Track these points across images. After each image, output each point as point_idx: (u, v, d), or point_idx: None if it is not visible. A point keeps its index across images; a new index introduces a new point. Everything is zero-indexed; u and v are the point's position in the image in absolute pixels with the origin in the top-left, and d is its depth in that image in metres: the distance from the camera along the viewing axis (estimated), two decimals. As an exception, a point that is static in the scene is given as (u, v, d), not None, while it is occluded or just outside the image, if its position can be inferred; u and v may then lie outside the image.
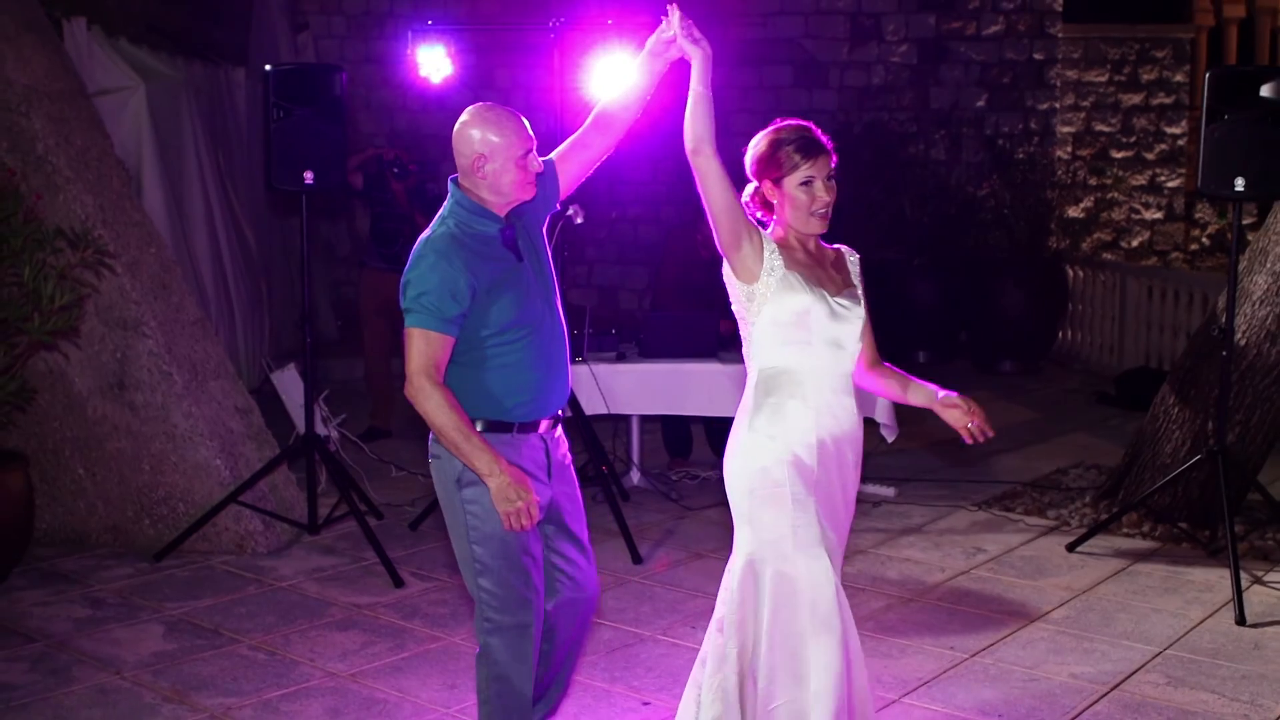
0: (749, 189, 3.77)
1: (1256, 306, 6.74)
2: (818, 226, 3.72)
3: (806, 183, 3.67)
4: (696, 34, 3.61)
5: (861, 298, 3.82)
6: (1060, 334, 13.10)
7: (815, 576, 3.58)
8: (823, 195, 3.69)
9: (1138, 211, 14.32)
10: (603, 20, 6.92)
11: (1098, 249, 14.01)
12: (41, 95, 6.58)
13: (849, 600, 3.69)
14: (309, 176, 6.18)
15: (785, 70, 14.17)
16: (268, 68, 6.26)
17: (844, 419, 3.73)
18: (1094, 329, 12.72)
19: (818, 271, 3.74)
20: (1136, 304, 11.90)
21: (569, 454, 3.97)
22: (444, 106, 13.99)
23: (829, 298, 3.69)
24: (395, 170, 8.64)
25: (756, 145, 3.75)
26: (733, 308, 3.73)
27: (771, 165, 3.70)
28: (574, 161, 4.00)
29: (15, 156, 6.36)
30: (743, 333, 3.74)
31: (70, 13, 7.63)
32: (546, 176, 3.90)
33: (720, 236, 3.59)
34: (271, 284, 10.40)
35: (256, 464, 6.69)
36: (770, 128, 3.76)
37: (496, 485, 3.57)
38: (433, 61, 7.05)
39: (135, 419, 6.55)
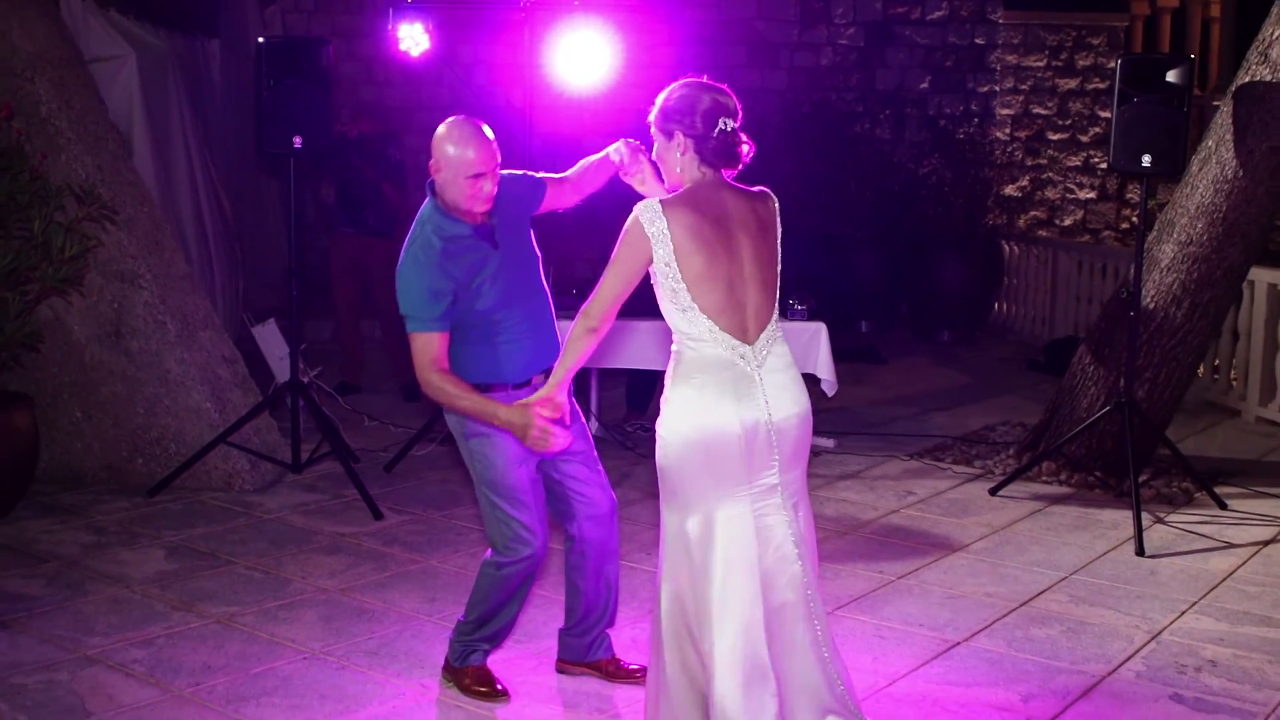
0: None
1: (1164, 273, 7.37)
2: None
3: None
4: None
5: None
6: (996, 305, 13.77)
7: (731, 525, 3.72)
8: None
9: (1072, 191, 14.97)
10: (569, 1, 7.44)
11: (1033, 226, 14.66)
12: (44, 62, 7.04)
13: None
14: (298, 141, 6.69)
15: (738, 50, 14.72)
16: (260, 40, 6.77)
17: None
18: (1027, 301, 13.39)
19: None
20: (1067, 278, 12.56)
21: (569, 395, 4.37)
22: (409, 80, 14.49)
23: None
24: (358, 151, 9.22)
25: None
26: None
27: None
28: (554, 197, 4.55)
29: (21, 119, 6.80)
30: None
31: (65, -16, 8.08)
32: (525, 181, 4.45)
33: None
34: (245, 246, 10.87)
35: (243, 409, 7.19)
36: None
37: (509, 427, 4.05)
38: (413, 36, 7.54)
39: (131, 365, 7.04)
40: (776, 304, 3.83)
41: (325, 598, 5.44)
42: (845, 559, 6.11)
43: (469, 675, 4.47)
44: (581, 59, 7.44)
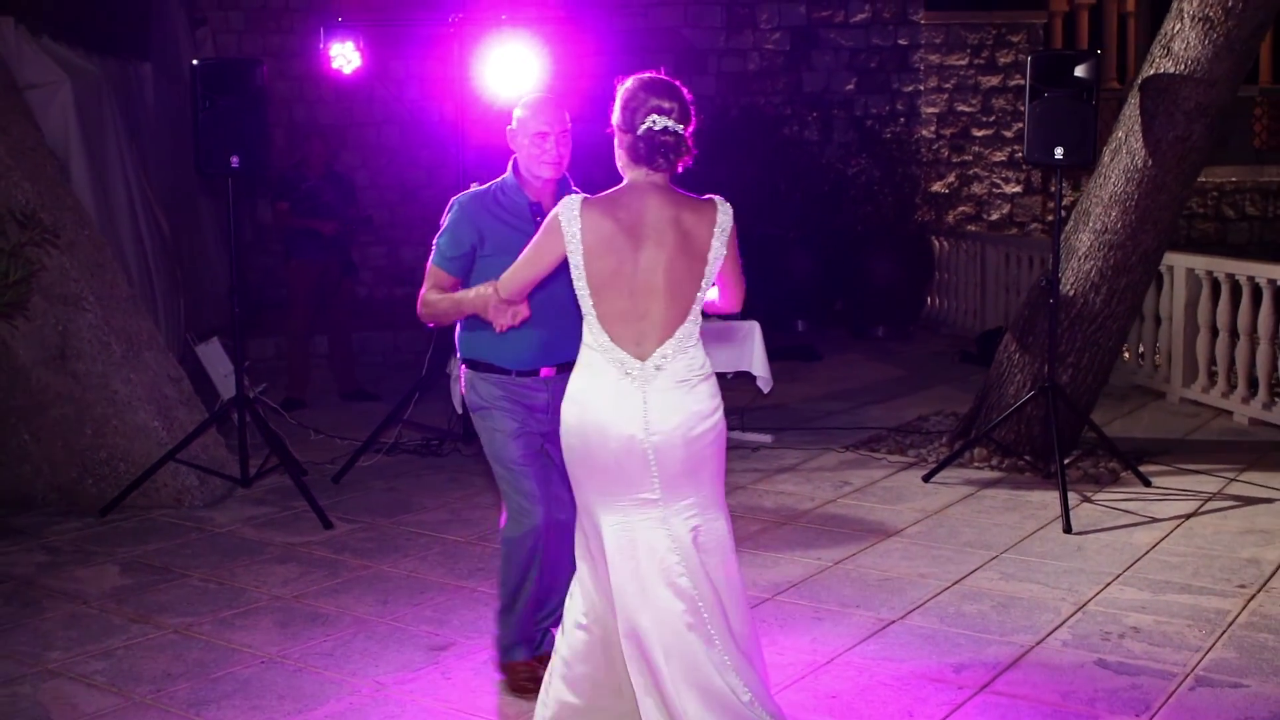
0: (682, 130, 3.76)
1: (1081, 261, 7.64)
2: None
3: None
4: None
5: None
6: (928, 300, 14.07)
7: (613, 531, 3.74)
8: None
9: (998, 186, 15.31)
10: (497, 15, 7.61)
11: (961, 222, 14.99)
12: (-21, 91, 7.13)
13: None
14: (235, 160, 6.81)
15: (666, 58, 14.91)
16: (195, 62, 6.88)
17: None
18: (958, 295, 13.68)
19: None
20: (996, 270, 12.86)
21: None
22: (341, 98, 14.61)
23: None
24: (325, 184, 9.60)
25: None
26: (702, 294, 3.78)
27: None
28: None
29: (-42, 148, 6.90)
30: (697, 312, 3.78)
31: (-3, 12, 8.16)
32: None
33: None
34: (184, 267, 10.94)
35: (190, 427, 7.29)
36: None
37: (475, 306, 4.10)
38: (344, 55, 7.69)
39: (78, 386, 7.13)
40: (690, 317, 3.71)
41: (280, 605, 5.57)
42: (784, 548, 6.31)
43: (515, 671, 4.62)
44: (510, 71, 7.61)
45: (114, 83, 9.64)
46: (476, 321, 4.32)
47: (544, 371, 4.48)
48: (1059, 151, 6.89)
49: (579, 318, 3.84)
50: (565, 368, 4.22)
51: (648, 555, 3.64)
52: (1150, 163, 7.32)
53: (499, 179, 4.55)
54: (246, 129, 6.86)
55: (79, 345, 7.14)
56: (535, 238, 3.79)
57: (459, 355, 4.61)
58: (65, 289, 7.13)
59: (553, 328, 4.41)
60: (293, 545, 6.44)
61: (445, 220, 4.49)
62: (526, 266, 3.81)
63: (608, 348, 3.69)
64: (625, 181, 3.77)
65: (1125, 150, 7.44)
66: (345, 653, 5.00)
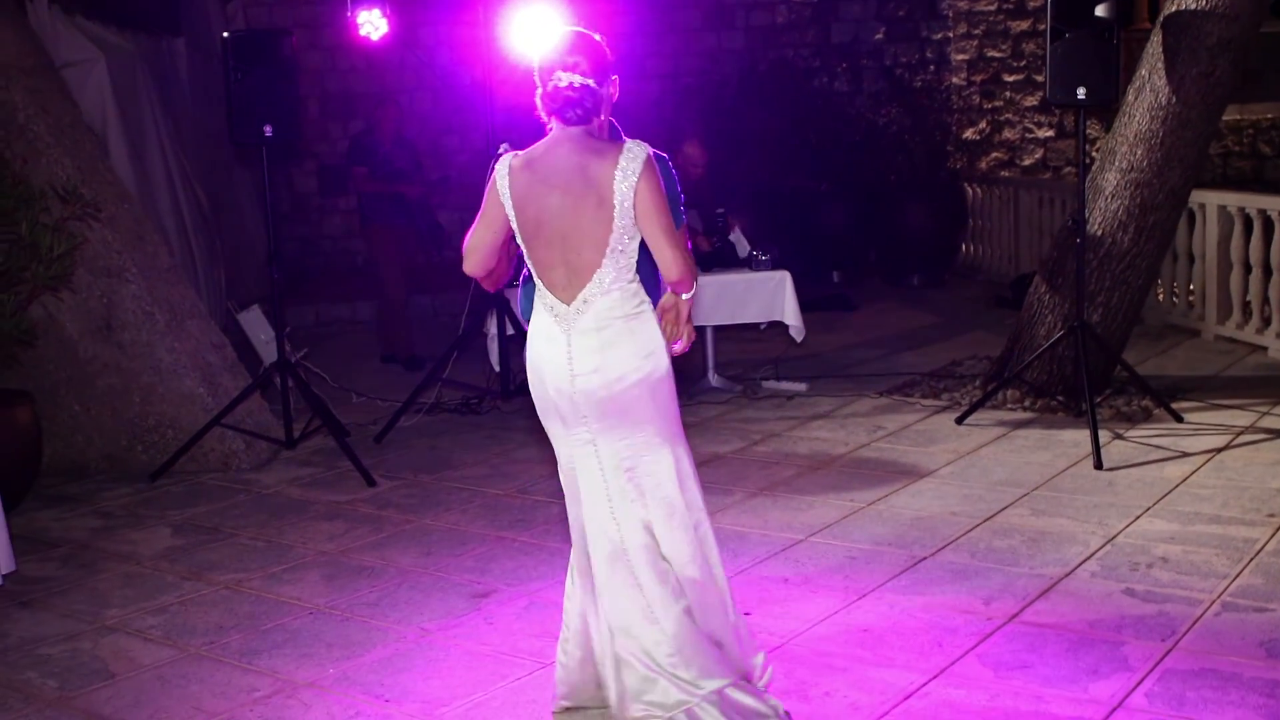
0: (591, 84, 3.80)
1: (1108, 200, 7.68)
2: None
3: None
4: None
5: None
6: (963, 247, 14.07)
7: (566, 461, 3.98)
8: None
9: (1031, 131, 15.26)
10: (522, -24, 7.67)
11: (995, 168, 14.95)
12: (17, 70, 7.29)
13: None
14: (268, 130, 6.95)
15: (694, 13, 14.97)
16: (225, 34, 7.03)
17: None
18: (992, 241, 13.68)
19: None
20: (1029, 215, 12.85)
21: None
22: (373, 66, 14.72)
23: None
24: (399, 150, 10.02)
25: (598, 42, 3.88)
26: (618, 237, 3.79)
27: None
28: None
29: (-1, 127, 7.07)
30: (622, 256, 3.82)
31: (30, -7, 8.31)
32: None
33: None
34: (223, 237, 11.13)
35: (234, 392, 7.46)
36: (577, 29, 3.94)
37: None
38: (371, 21, 7.80)
39: (124, 356, 7.31)
40: (608, 261, 3.77)
41: (326, 559, 5.74)
42: (818, 491, 6.42)
43: None
44: (536, 31, 7.68)
45: (148, 58, 9.79)
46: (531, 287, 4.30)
47: None
48: (1082, 91, 6.92)
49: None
50: None
51: (586, 481, 3.88)
52: (1175, 100, 7.34)
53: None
54: (278, 98, 6.99)
55: (123, 316, 7.31)
56: (484, 199, 3.91)
57: (522, 318, 4.45)
58: (108, 261, 7.30)
59: None
60: (338, 503, 6.61)
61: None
62: (481, 228, 3.91)
63: (543, 293, 3.87)
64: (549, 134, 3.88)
65: (1149, 88, 7.46)
66: (391, 602, 5.16)
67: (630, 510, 3.83)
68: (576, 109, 3.76)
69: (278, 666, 4.57)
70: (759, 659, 4.06)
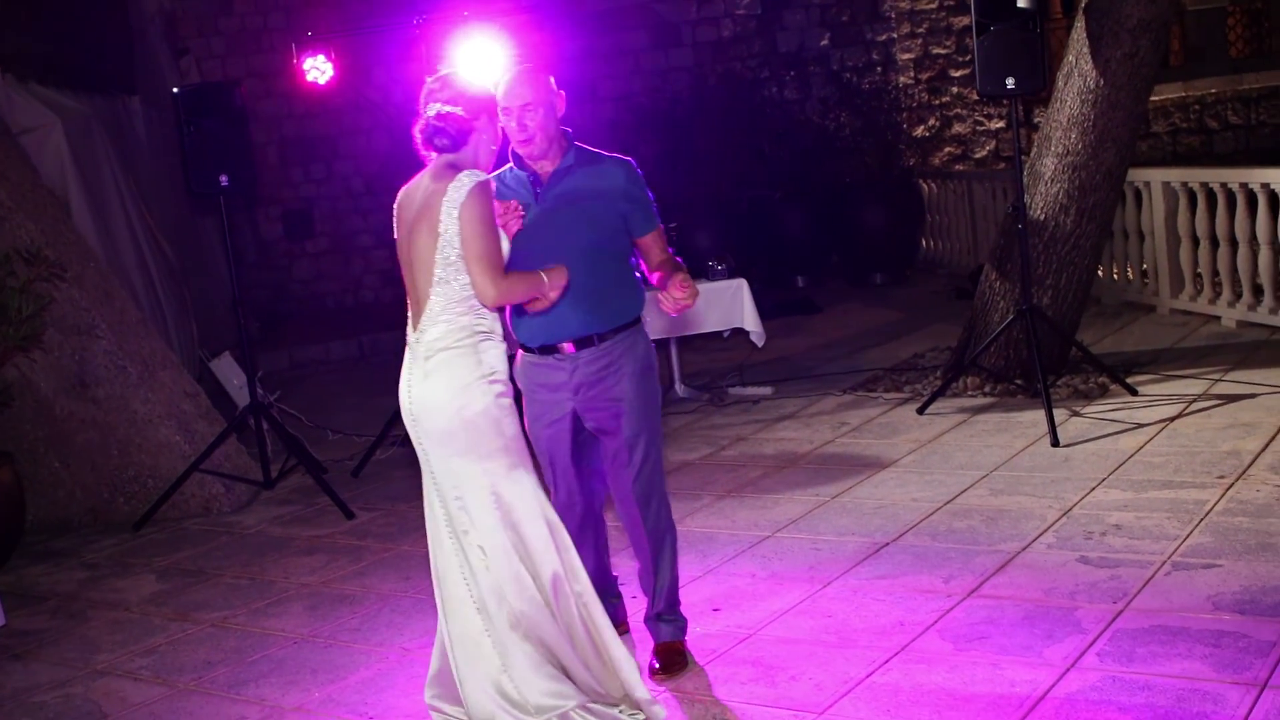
0: (459, 115, 4.01)
1: (1048, 185, 7.89)
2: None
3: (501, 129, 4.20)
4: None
5: None
6: (922, 243, 14.30)
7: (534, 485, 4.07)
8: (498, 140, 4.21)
9: (982, 124, 15.50)
10: (459, 12, 7.87)
11: (948, 163, 15.18)
12: (-25, 140, 7.46)
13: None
14: (224, 179, 7.13)
15: (641, 34, 15.19)
16: (175, 90, 7.20)
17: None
18: (951, 234, 13.91)
19: None
20: (984, 206, 13.08)
21: (610, 374, 4.39)
22: (328, 110, 14.90)
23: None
24: None
25: (471, 81, 4.14)
26: (443, 268, 3.93)
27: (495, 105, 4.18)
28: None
29: (-40, 196, 7.22)
30: (450, 286, 3.94)
31: (-17, 65, 8.49)
32: (631, 196, 4.44)
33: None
34: (192, 288, 11.27)
35: (210, 438, 7.61)
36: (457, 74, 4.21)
37: (553, 285, 4.14)
38: (317, 67, 7.98)
39: (99, 411, 7.46)
40: (435, 290, 3.90)
41: (309, 591, 5.89)
42: (784, 489, 6.59)
43: None
44: (479, 65, 7.87)
45: (104, 118, 9.95)
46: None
47: (565, 348, 4.38)
48: (1010, 82, 7.13)
49: (587, 305, 4.31)
50: (576, 343, 4.37)
51: (428, 508, 4.08)
52: (1102, 82, 7.55)
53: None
54: (231, 148, 7.17)
55: (96, 372, 7.46)
56: None
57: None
58: (77, 319, 7.45)
59: (558, 309, 4.29)
60: (318, 537, 6.76)
61: None
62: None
63: (408, 320, 4.06)
64: (459, 150, 4.07)
65: (1077, 73, 7.68)
66: (372, 627, 5.31)
67: (468, 539, 3.95)
68: (439, 137, 3.98)
69: (265, 694, 4.72)
70: (638, 693, 4.05)
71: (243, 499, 7.61)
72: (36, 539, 7.32)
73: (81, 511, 7.57)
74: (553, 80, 4.43)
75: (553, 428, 4.48)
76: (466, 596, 3.95)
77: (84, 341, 7.45)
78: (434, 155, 4.04)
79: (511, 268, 4.15)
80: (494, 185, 4.15)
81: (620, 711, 4.01)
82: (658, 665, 4.49)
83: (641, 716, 4.02)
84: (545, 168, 4.42)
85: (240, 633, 5.43)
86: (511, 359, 4.24)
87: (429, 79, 4.15)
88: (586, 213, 4.38)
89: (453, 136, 3.98)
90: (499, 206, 4.15)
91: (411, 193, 4.03)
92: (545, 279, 4.06)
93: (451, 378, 3.92)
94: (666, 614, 4.61)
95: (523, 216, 4.30)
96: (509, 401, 4.00)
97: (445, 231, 3.87)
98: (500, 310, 4.10)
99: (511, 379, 4.13)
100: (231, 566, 6.43)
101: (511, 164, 4.51)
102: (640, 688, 4.04)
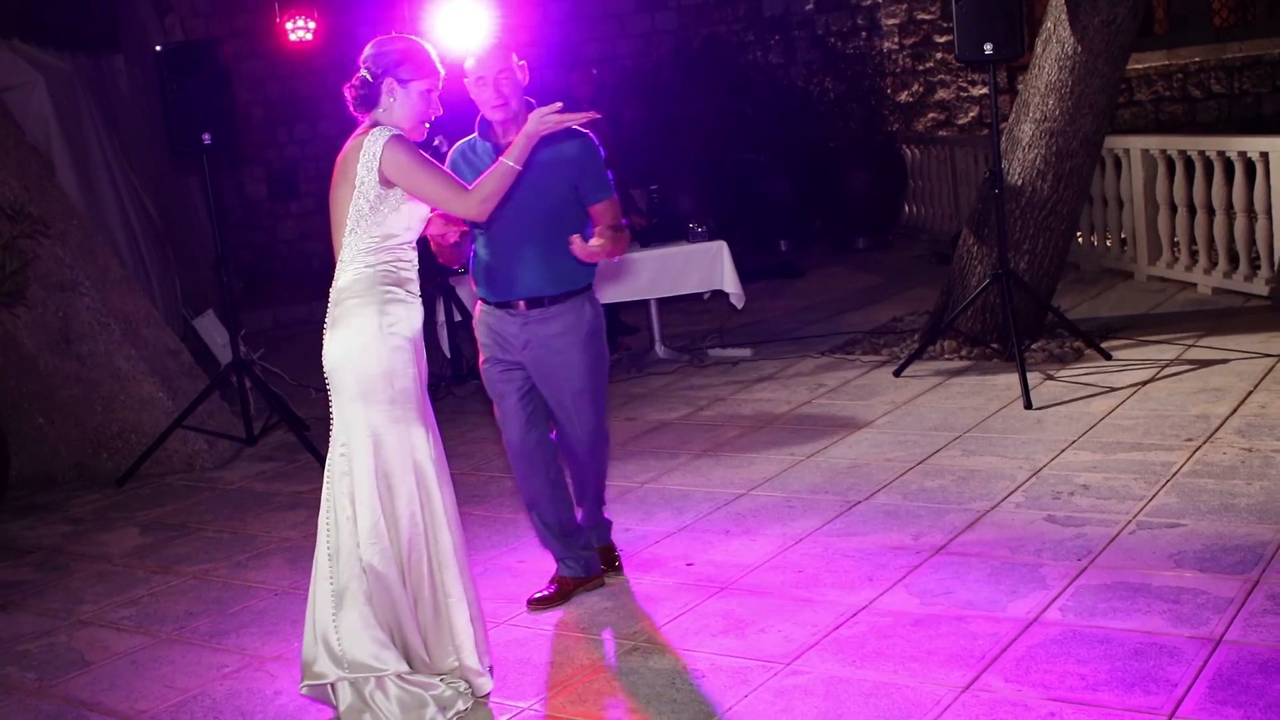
0: (366, 77, 4.08)
1: (1026, 150, 7.96)
2: (422, 134, 4.19)
3: (429, 92, 4.14)
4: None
5: None
6: (905, 208, 14.37)
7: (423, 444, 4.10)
8: (437, 109, 4.18)
9: (965, 90, 15.54)
10: (442, -29, 7.89)
11: (932, 128, 15.22)
12: (-43, 97, 7.48)
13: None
14: (207, 137, 7.17)
15: (624, -2, 15.20)
16: (157, 48, 7.24)
17: None
18: (933, 200, 13.98)
19: None
20: (966, 172, 13.15)
21: (558, 336, 4.71)
22: (312, 69, 14.88)
23: None
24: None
25: (388, 42, 4.14)
26: (355, 218, 4.02)
27: (410, 66, 4.09)
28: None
29: (-56, 152, 7.26)
30: (358, 236, 4.03)
31: (-35, 21, 8.51)
32: (588, 162, 4.72)
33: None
34: (176, 247, 11.31)
35: (194, 395, 7.67)
36: (398, 35, 4.25)
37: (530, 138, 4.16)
38: (300, 28, 8.00)
39: (83, 367, 7.52)
40: (347, 243, 4.02)
41: (289, 545, 5.97)
42: (759, 448, 6.68)
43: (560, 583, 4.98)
44: (460, 26, 7.91)
45: (87, 76, 9.97)
46: (475, 252, 4.75)
47: (519, 305, 4.72)
48: (988, 47, 7.20)
49: (545, 267, 4.65)
50: (529, 302, 4.70)
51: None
52: (1080, 49, 7.61)
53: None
54: (214, 106, 7.22)
55: (80, 328, 7.51)
56: None
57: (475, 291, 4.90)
58: (61, 276, 7.50)
59: (520, 268, 4.70)
60: (300, 493, 6.84)
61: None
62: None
63: None
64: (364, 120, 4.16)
65: (1055, 39, 7.73)
66: (352, 579, 5.39)
67: (341, 484, 4.02)
68: (354, 100, 4.09)
69: (245, 644, 4.81)
70: (469, 660, 4.11)
71: (225, 455, 7.68)
72: (21, 494, 7.39)
73: (65, 467, 7.64)
74: (515, 55, 4.70)
75: (504, 373, 4.81)
76: (323, 542, 4.03)
77: (67, 298, 7.50)
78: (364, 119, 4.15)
79: (484, 234, 4.66)
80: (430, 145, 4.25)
81: (441, 680, 4.06)
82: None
83: (463, 685, 4.07)
84: (511, 138, 4.54)
85: (221, 585, 5.52)
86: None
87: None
88: (545, 181, 4.65)
89: (363, 98, 4.08)
90: (441, 225, 4.30)
91: (341, 152, 4.12)
92: (509, 161, 4.09)
93: (350, 327, 4.03)
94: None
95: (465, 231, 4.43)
96: (408, 357, 4.07)
97: (361, 183, 3.99)
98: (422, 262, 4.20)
99: (436, 337, 4.25)
100: (214, 521, 6.51)
101: (477, 135, 4.77)
102: (472, 656, 4.09)
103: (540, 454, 4.89)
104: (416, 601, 4.08)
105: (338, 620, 3.97)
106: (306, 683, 4.04)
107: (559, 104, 4.17)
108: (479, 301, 4.89)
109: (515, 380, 4.82)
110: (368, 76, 4.07)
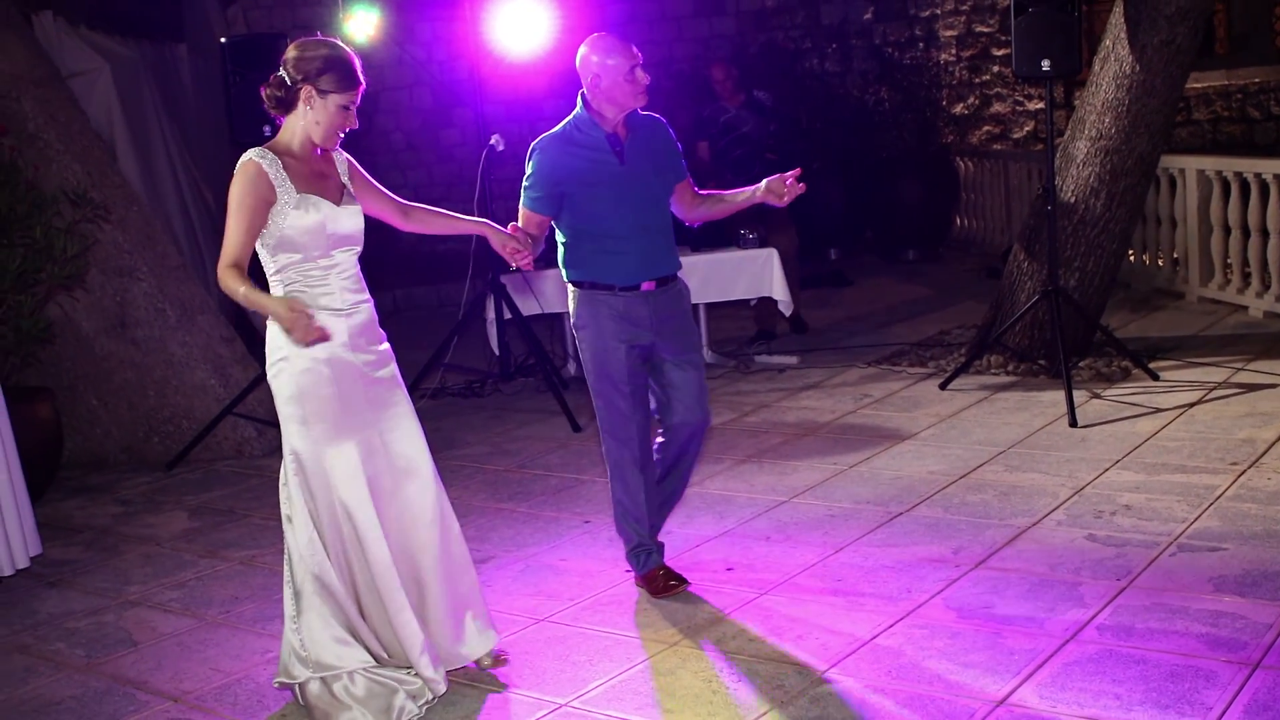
0: (284, 80, 4.00)
1: (1080, 168, 7.94)
2: (335, 144, 4.14)
3: (347, 107, 4.05)
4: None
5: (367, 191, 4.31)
6: (956, 221, 14.34)
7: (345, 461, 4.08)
8: (353, 123, 4.11)
9: (1021, 104, 15.49)
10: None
11: (986, 142, 15.18)
12: (26, 81, 7.61)
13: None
14: (267, 130, 7.23)
15: (686, 1, 15.23)
16: (223, 40, 7.33)
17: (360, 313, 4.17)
18: (985, 214, 13.95)
19: (322, 181, 4.09)
20: (1019, 186, 13.11)
21: (682, 310, 4.96)
22: (371, 65, 14.97)
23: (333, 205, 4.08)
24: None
25: (313, 48, 4.02)
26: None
27: (331, 77, 3.99)
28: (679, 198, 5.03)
29: (11, 136, 7.37)
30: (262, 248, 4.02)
31: (36, 7, 8.62)
32: (675, 149, 4.96)
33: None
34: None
35: (244, 383, 7.78)
36: (325, 40, 4.09)
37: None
38: (363, 21, 8.10)
39: (138, 352, 7.64)
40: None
41: (335, 535, 6.05)
42: (803, 456, 6.71)
43: (652, 581, 5.00)
44: (521, 25, 8.00)
45: (151, 65, 10.11)
46: (583, 246, 4.81)
47: (644, 286, 4.83)
48: (1046, 64, 7.19)
49: (666, 248, 4.86)
50: (662, 283, 4.85)
51: None
52: (1138, 68, 7.60)
53: (569, 118, 4.85)
54: (276, 99, 7.29)
55: (136, 313, 7.63)
56: None
57: (566, 278, 4.94)
58: (120, 262, 7.62)
59: (645, 252, 4.83)
60: (346, 484, 6.91)
61: (529, 166, 4.82)
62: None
63: None
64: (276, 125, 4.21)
65: (1114, 58, 7.72)
66: (395, 571, 5.46)
67: (282, 492, 4.21)
68: (269, 100, 4.04)
69: (289, 631, 4.89)
70: (425, 671, 4.13)
71: (274, 443, 7.77)
72: (73, 474, 7.52)
73: (117, 449, 7.76)
74: None
75: (629, 358, 4.84)
76: (287, 547, 4.12)
77: (125, 283, 7.63)
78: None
79: (603, 223, 4.76)
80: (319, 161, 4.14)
81: (409, 674, 4.11)
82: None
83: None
84: (619, 127, 4.82)
85: (268, 571, 5.60)
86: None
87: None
88: (655, 166, 4.88)
89: (277, 99, 4.01)
90: (508, 242, 4.46)
91: None
92: (271, 305, 3.83)
93: (270, 343, 4.09)
94: None
95: (529, 259, 4.58)
96: (325, 373, 4.04)
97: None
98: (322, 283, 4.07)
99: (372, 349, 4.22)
100: (261, 508, 6.60)
101: (587, 116, 4.82)
102: (420, 662, 4.11)
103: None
104: (364, 611, 4.12)
105: (299, 623, 4.06)
106: (279, 679, 4.15)
107: None
108: (580, 291, 4.87)
109: (641, 369, 4.91)
110: (286, 80, 3.98)
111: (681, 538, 5.58)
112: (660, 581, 4.96)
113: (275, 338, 4.06)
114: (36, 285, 6.96)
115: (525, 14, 8.15)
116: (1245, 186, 9.43)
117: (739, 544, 5.46)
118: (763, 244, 8.73)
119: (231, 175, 3.93)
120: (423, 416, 8.09)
